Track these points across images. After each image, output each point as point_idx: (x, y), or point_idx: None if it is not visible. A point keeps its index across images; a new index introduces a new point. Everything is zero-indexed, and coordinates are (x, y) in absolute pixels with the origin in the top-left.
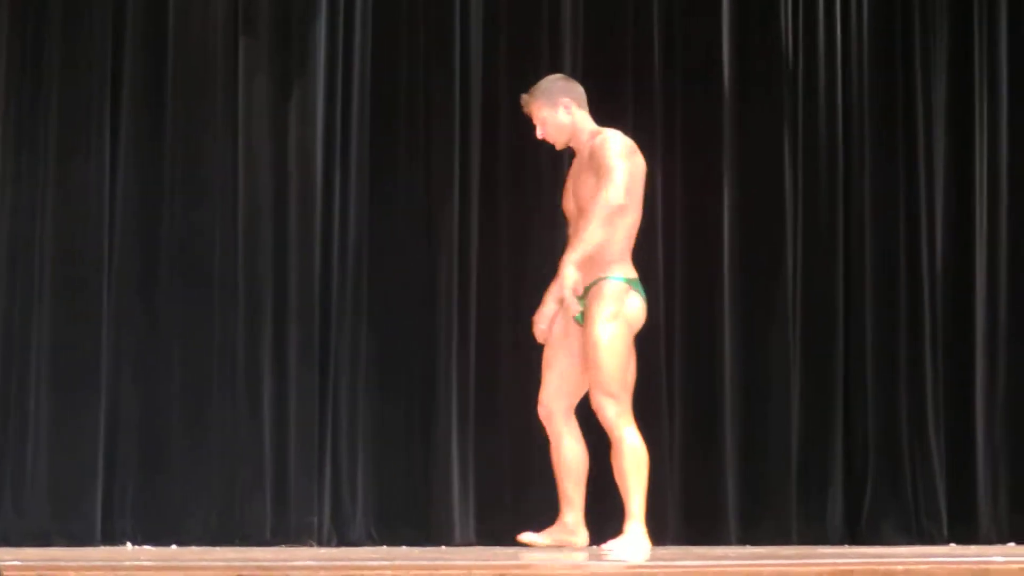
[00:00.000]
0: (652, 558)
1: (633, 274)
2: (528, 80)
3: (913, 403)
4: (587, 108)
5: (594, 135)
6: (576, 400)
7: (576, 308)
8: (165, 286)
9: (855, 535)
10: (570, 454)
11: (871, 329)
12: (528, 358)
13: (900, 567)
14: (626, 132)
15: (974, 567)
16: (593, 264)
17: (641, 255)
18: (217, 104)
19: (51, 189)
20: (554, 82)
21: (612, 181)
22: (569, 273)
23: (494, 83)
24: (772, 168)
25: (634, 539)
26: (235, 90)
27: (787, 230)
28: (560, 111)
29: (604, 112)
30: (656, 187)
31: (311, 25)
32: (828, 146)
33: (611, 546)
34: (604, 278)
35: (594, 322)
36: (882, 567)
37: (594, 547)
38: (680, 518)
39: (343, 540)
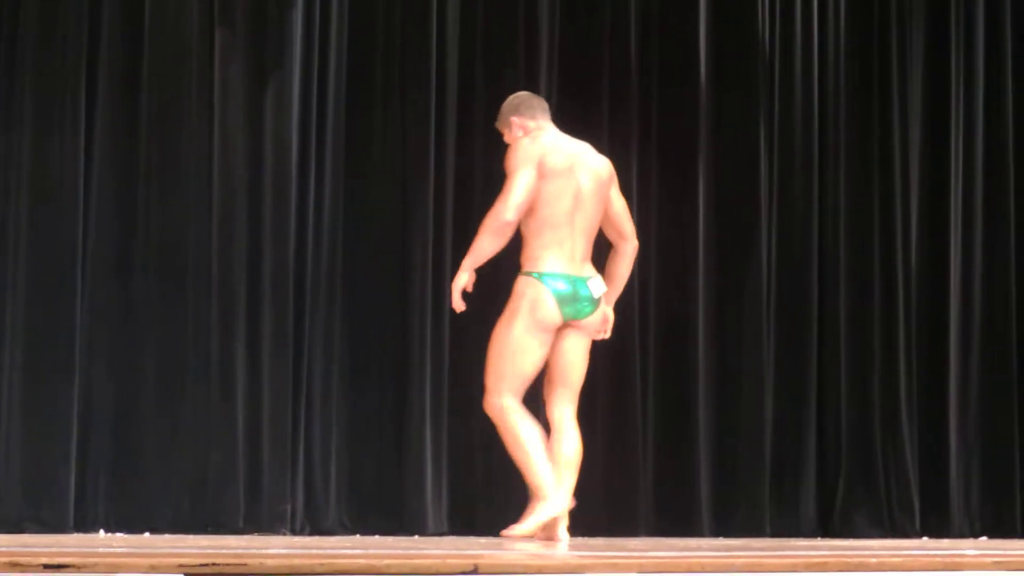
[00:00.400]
0: (625, 548)
1: (546, 268)
2: (505, 69)
3: (886, 397)
4: (536, 114)
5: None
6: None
7: (459, 307)
8: (139, 274)
9: (828, 528)
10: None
11: (845, 323)
12: None
13: (873, 560)
14: (602, 125)
15: (947, 560)
16: (520, 257)
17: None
18: (192, 93)
19: (25, 176)
20: (505, 105)
21: (504, 197)
22: (459, 278)
23: (470, 74)
24: (748, 163)
25: (536, 516)
26: (211, 79)
27: (762, 226)
28: (513, 130)
29: (580, 106)
30: (632, 181)
31: (287, 15)
32: (803, 142)
33: (513, 530)
34: (518, 274)
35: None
36: (855, 559)
37: (576, 538)
38: (653, 510)
39: (316, 529)
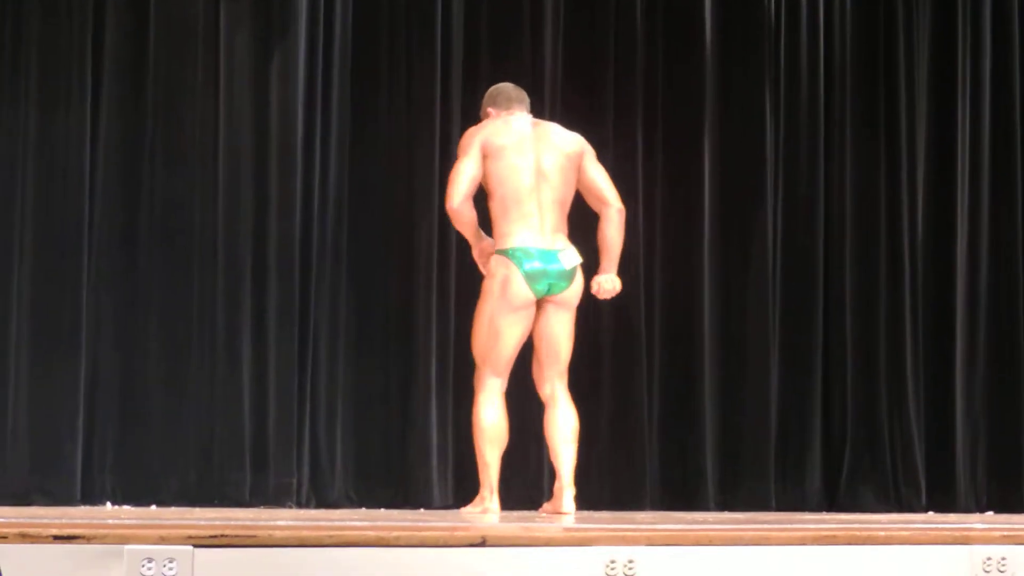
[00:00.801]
0: (633, 521)
1: (516, 243)
2: (509, 40)
3: (892, 371)
4: (512, 105)
5: None
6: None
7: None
8: (145, 246)
9: (833, 502)
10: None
11: (851, 296)
12: None
13: (882, 533)
14: (607, 102)
15: (956, 533)
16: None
17: None
18: (198, 65)
19: (31, 150)
20: (485, 96)
21: (448, 187)
22: (475, 255)
23: (476, 43)
24: (753, 137)
25: (477, 506)
26: (216, 51)
27: (767, 199)
28: (486, 116)
29: (585, 84)
30: (637, 153)
31: None
32: (809, 115)
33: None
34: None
35: None
36: (863, 533)
37: (581, 511)
38: (658, 484)
39: (322, 502)
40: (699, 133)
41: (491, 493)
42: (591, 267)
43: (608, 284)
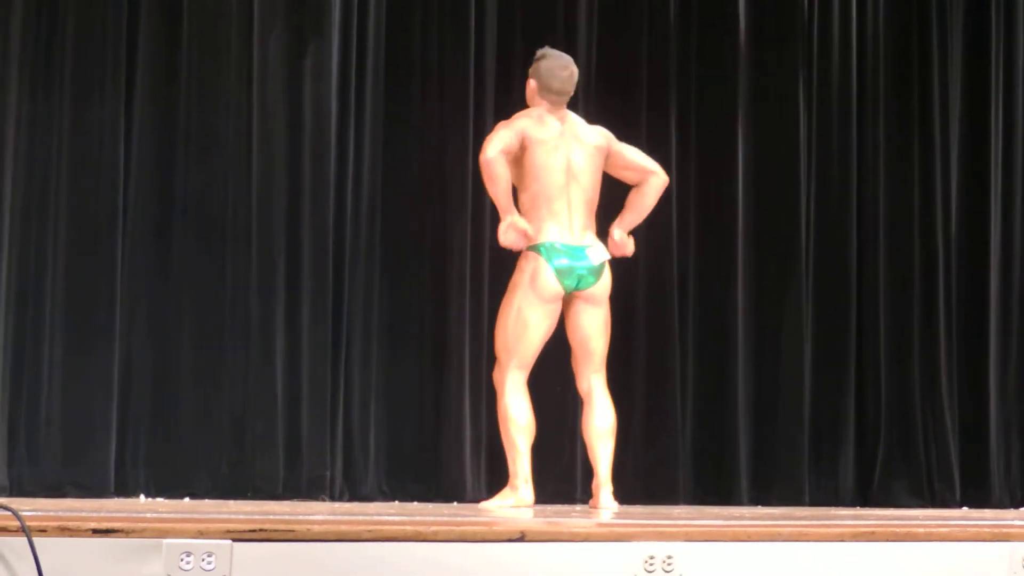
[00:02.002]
0: (669, 516)
1: (544, 239)
2: (543, 35)
3: (926, 365)
4: (551, 96)
5: None
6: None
7: (519, 245)
8: (179, 238)
9: (867, 497)
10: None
11: (884, 290)
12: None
13: (921, 530)
14: (639, 90)
15: (994, 530)
16: None
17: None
18: (232, 59)
19: (66, 141)
20: (538, 59)
21: (484, 142)
22: (504, 226)
23: (509, 39)
24: (787, 132)
25: (507, 499)
26: (250, 44)
27: (801, 193)
28: (528, 89)
29: (619, 72)
30: (671, 147)
31: None
32: (842, 111)
33: (485, 504)
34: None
35: None
36: (902, 529)
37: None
38: (692, 479)
39: (354, 495)
40: (732, 128)
41: (525, 483)
42: (618, 263)
43: (618, 237)
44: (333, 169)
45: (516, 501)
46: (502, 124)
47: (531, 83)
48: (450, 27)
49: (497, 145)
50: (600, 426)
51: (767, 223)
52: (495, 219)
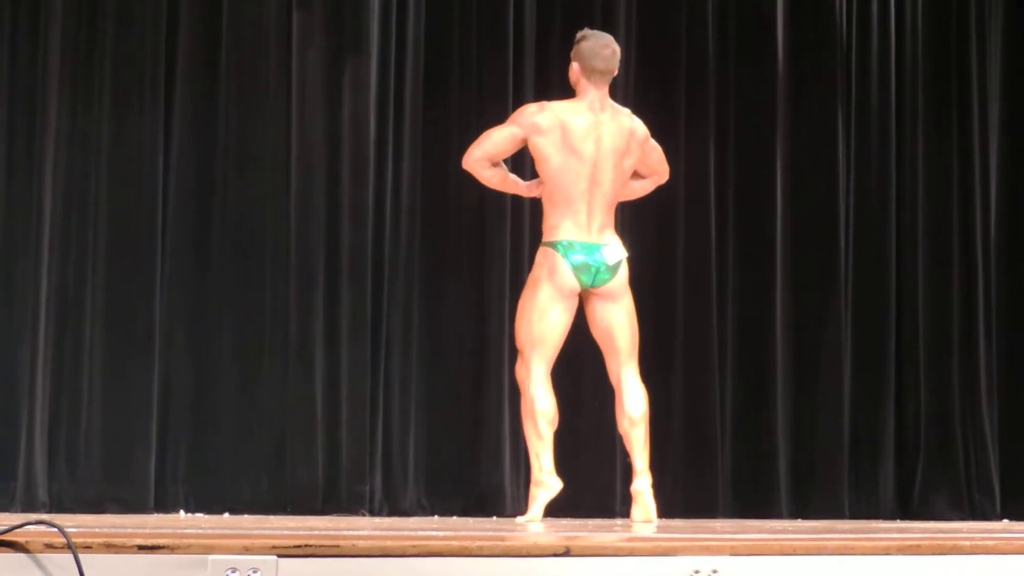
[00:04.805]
0: (713, 530)
1: (558, 237)
2: None
3: (965, 377)
4: (593, 77)
5: None
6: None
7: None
8: (218, 253)
9: (907, 510)
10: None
11: (923, 302)
12: (577, 326)
13: (967, 543)
14: (677, 104)
15: None
16: (541, 227)
17: (692, 228)
18: (271, 75)
19: (105, 157)
20: (579, 40)
21: (471, 146)
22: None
23: (546, 56)
24: (825, 144)
25: (533, 502)
26: (289, 61)
27: (840, 204)
28: (572, 72)
29: (656, 92)
30: (709, 161)
31: None
32: (881, 122)
33: (520, 519)
34: (540, 244)
35: None
36: (948, 542)
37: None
38: (731, 491)
39: (394, 509)
40: (771, 141)
41: (550, 474)
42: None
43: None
44: (372, 183)
45: (547, 493)
46: (503, 127)
47: (574, 66)
48: (488, 41)
49: (473, 154)
50: (632, 412)
51: (806, 239)
52: (534, 234)
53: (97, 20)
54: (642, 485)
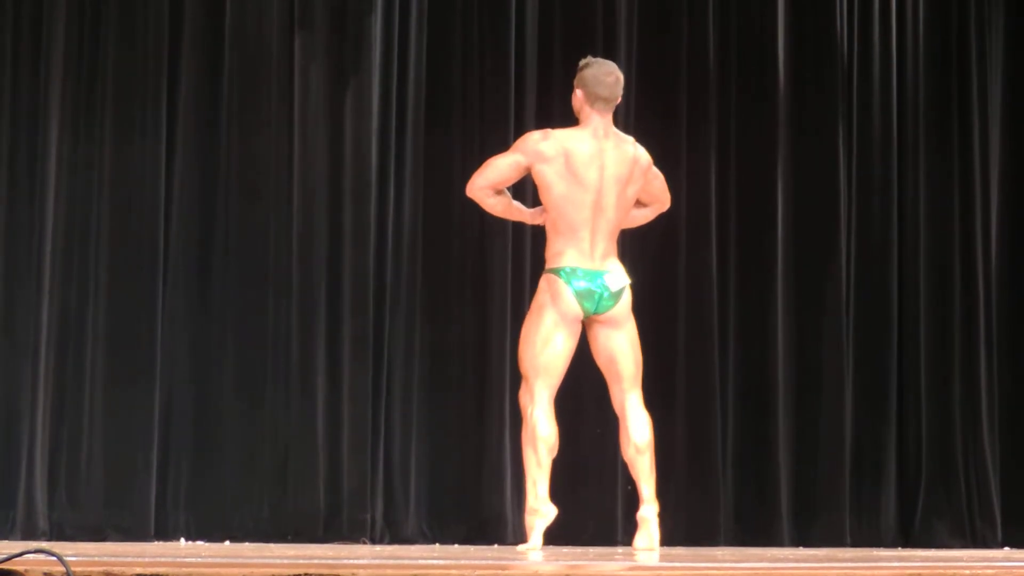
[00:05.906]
0: (714, 559)
1: (561, 263)
2: None
3: (967, 404)
4: (597, 105)
5: None
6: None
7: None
8: (220, 278)
9: (908, 537)
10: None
11: (925, 329)
12: (580, 352)
13: (967, 571)
14: (680, 129)
15: None
16: (544, 254)
17: (693, 254)
18: (273, 97)
19: (107, 180)
20: (583, 67)
21: (475, 174)
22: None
23: (548, 79)
24: (826, 164)
25: (531, 531)
26: (291, 83)
27: (841, 227)
28: (575, 100)
29: (658, 106)
30: (710, 181)
31: (367, 19)
32: (882, 143)
33: (521, 547)
34: (543, 271)
35: None
36: (949, 571)
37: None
38: (732, 518)
39: (395, 537)
40: (772, 162)
41: (544, 502)
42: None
43: None
44: (374, 208)
45: (543, 521)
46: (507, 155)
47: (577, 93)
48: (490, 65)
49: (477, 183)
50: (637, 440)
51: (807, 263)
52: (535, 258)
53: (99, 44)
54: (648, 513)
